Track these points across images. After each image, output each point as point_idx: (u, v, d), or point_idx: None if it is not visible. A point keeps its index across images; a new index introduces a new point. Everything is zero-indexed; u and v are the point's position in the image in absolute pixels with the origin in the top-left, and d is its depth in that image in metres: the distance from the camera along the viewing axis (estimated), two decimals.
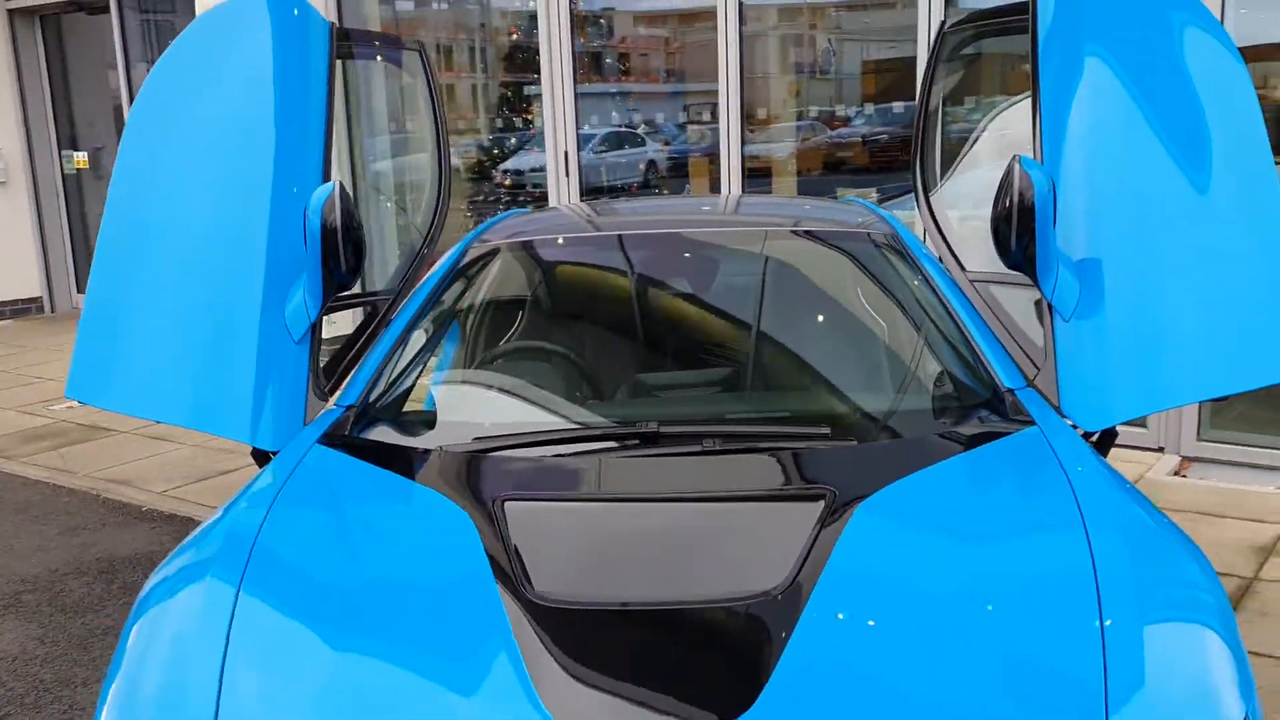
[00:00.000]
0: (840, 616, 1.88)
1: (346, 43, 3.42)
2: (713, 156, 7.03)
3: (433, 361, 3.03)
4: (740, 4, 6.20)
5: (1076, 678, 1.76)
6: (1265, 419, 5.17)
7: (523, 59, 8.12)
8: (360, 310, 3.33)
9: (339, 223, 2.80)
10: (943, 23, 3.76)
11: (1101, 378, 2.63)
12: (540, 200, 7.74)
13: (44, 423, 6.74)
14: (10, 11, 10.10)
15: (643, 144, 7.90)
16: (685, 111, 7.59)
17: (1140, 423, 5.15)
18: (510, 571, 1.99)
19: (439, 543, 2.13)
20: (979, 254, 3.29)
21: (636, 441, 2.47)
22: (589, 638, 1.88)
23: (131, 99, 9.51)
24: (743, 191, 6.40)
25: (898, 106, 6.49)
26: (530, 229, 3.44)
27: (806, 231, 3.33)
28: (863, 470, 2.34)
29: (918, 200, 3.63)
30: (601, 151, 7.69)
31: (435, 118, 3.73)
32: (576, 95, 6.87)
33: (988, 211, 2.84)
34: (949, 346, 2.89)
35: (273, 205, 2.86)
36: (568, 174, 6.95)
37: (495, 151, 8.45)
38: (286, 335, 2.81)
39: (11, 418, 6.88)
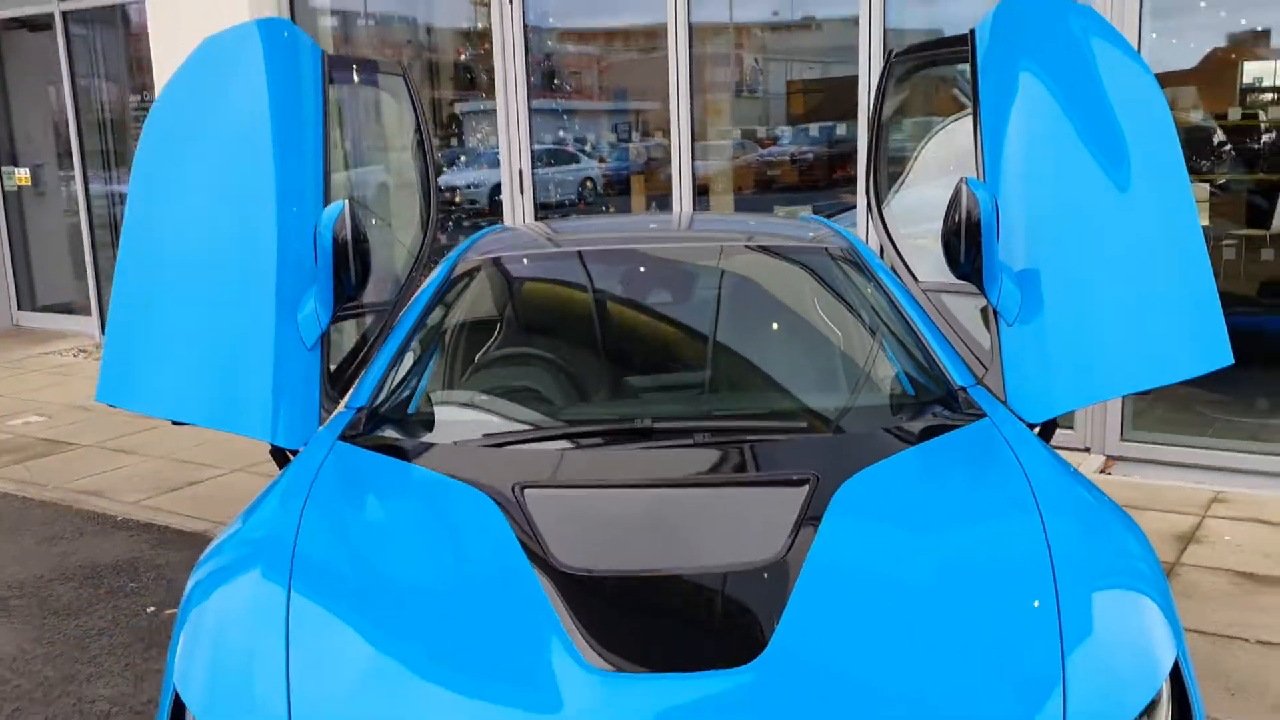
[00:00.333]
0: (831, 580, 2.16)
1: (334, 69, 3.64)
2: (649, 173, 7.32)
3: (435, 365, 3.26)
4: (690, 25, 6.47)
5: (1036, 623, 2.05)
6: (1182, 421, 5.60)
7: (468, 77, 8.35)
8: (361, 320, 3.55)
9: (349, 238, 3.04)
10: (890, 51, 4.09)
11: (1043, 374, 2.95)
12: (478, 216, 7.97)
13: (3, 438, 6.79)
14: None
15: (578, 161, 8.11)
16: (634, 128, 7.83)
17: (1069, 424, 5.53)
18: (538, 548, 2.24)
19: (470, 525, 2.38)
20: (927, 264, 3.62)
21: (633, 436, 2.74)
22: (609, 600, 2.15)
23: (77, 114, 9.56)
24: (693, 208, 6.69)
25: (840, 127, 6.81)
26: (513, 244, 3.70)
27: (774, 246, 3.63)
28: (840, 457, 2.63)
29: (871, 215, 3.95)
30: (543, 168, 7.89)
31: (420, 138, 3.96)
32: (531, 113, 7.11)
33: (934, 226, 3.16)
34: (906, 350, 3.19)
35: (279, 224, 3.08)
36: (521, 191, 7.18)
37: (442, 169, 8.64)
38: (299, 342, 3.03)
39: None
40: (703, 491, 2.53)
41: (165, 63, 8.15)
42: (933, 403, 2.96)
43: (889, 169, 4.16)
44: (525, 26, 7.00)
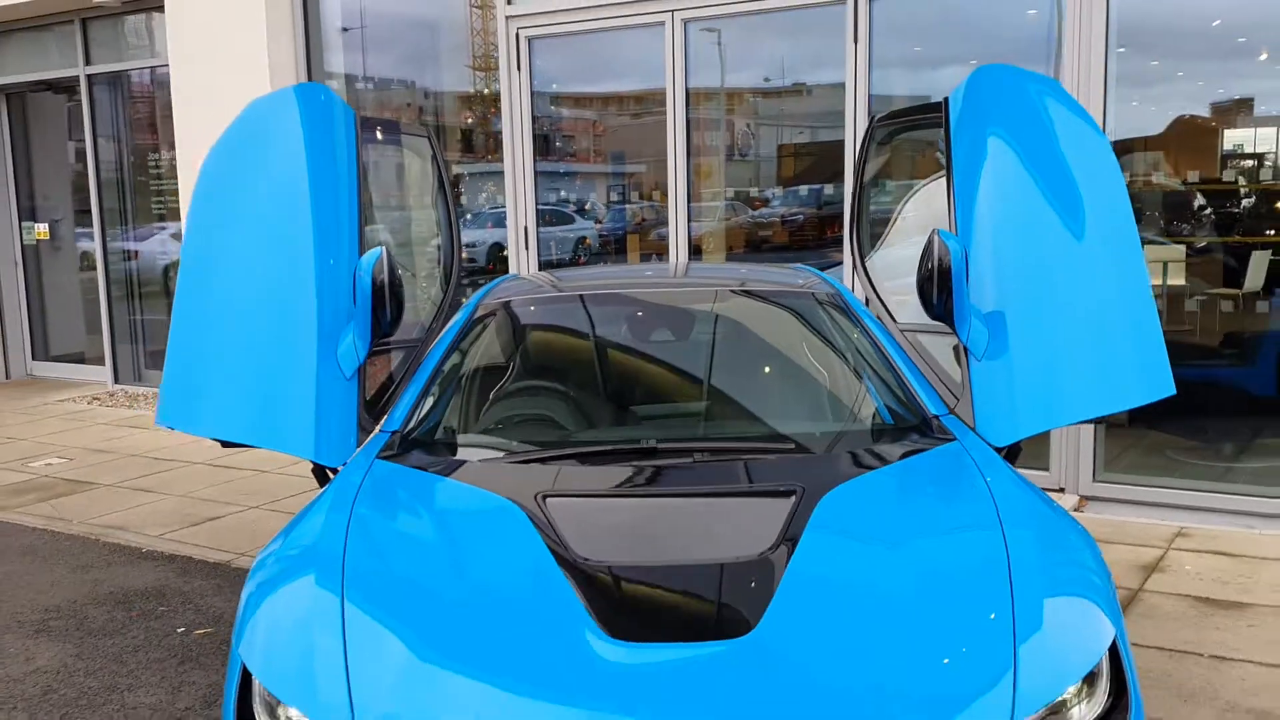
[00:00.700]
0: (814, 574, 2.48)
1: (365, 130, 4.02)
2: (644, 233, 7.71)
3: (461, 394, 3.60)
4: (686, 90, 6.88)
5: (993, 618, 2.36)
6: (1150, 465, 5.94)
7: (468, 140, 8.79)
8: (389, 357, 3.88)
9: (386, 280, 3.39)
10: (872, 117, 4.49)
11: (1008, 403, 3.30)
12: (480, 273, 8.36)
13: (26, 478, 7.08)
14: None
15: (573, 221, 8.49)
16: (629, 189, 8.23)
17: (1044, 466, 5.87)
18: (560, 547, 2.57)
19: (499, 528, 2.71)
20: (907, 313, 3.98)
21: (640, 455, 3.08)
22: (622, 587, 2.48)
23: (99, 173, 9.96)
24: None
25: (828, 189, 7.19)
26: (527, 290, 4.06)
27: (767, 291, 4.00)
28: (824, 474, 2.97)
29: (855, 266, 4.32)
30: (545, 227, 8.28)
31: (444, 195, 4.33)
32: (536, 174, 7.51)
33: (912, 281, 3.53)
34: (885, 383, 3.54)
35: (317, 269, 3.43)
36: (526, 247, 7.56)
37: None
38: (339, 372, 3.37)
39: None
40: (702, 500, 2.88)
41: (187, 125, 8.57)
42: (909, 429, 3.30)
43: (872, 229, 4.54)
44: (532, 92, 7.41)
